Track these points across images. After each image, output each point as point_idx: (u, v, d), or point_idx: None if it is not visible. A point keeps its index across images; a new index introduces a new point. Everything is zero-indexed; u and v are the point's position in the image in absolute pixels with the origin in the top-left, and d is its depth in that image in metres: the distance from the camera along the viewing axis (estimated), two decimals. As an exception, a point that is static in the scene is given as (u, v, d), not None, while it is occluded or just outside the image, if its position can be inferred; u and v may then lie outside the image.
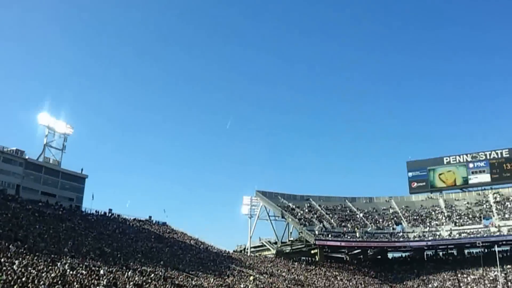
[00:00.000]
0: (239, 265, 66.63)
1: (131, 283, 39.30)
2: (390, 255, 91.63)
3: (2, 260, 32.24)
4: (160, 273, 46.98)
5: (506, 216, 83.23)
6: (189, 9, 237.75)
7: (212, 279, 52.91)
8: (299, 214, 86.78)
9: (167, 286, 43.28)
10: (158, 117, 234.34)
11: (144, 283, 41.25)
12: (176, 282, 46.11)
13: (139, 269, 45.52)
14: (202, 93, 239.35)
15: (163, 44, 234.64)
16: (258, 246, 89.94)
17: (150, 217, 76.06)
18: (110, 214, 69.04)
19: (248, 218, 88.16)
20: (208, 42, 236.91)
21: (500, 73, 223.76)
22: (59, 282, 32.06)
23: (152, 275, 45.16)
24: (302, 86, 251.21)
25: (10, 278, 28.77)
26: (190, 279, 49.65)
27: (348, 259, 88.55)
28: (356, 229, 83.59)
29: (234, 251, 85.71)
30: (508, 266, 76.64)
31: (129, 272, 42.70)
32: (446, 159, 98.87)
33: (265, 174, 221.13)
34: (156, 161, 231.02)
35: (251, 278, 60.28)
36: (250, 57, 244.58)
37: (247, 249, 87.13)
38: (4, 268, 30.51)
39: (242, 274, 61.93)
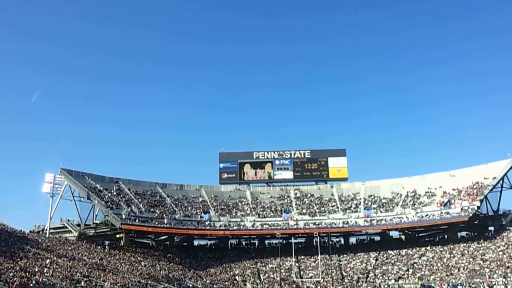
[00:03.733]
0: (35, 247, 60.59)
1: None
2: (196, 243, 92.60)
3: None
4: None
5: (304, 211, 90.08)
6: None
7: (1, 261, 47.46)
8: (107, 196, 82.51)
9: None
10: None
11: None
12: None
13: None
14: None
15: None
16: (60, 228, 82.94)
17: None
18: None
19: (49, 197, 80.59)
20: None
21: (302, 84, 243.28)
22: None
23: None
24: (109, 70, 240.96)
25: None
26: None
27: (154, 244, 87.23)
28: (164, 215, 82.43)
29: (30, 231, 77.78)
30: (302, 257, 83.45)
31: None
32: (256, 154, 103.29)
33: (73, 152, 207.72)
34: None
35: (48, 261, 55.50)
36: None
37: (46, 230, 79.85)
38: None
39: (38, 256, 56.52)
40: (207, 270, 78.68)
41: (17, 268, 47.66)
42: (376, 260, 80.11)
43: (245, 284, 75.11)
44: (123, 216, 76.45)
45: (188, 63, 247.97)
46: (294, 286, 73.76)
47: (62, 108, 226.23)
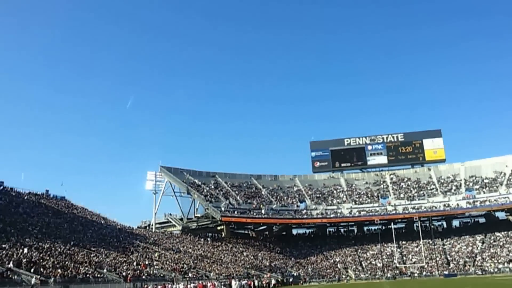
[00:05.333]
0: (143, 241, 64.43)
1: (27, 259, 36.28)
2: (294, 232, 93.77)
3: None
4: (59, 249, 43.85)
5: (401, 195, 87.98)
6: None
7: (115, 255, 50.66)
8: (205, 190, 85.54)
9: (66, 262, 40.59)
10: (48, 88, 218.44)
11: (42, 260, 38.28)
12: (76, 258, 43.38)
13: (35, 246, 41.98)
14: (104, 61, 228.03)
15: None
16: (164, 222, 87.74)
17: (47, 191, 70.32)
18: (1, 187, 62.94)
19: (152, 194, 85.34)
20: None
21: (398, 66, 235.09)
22: None
23: (50, 251, 42.03)
24: (207, 64, 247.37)
25: None
26: (91, 256, 46.99)
27: (254, 235, 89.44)
28: (261, 206, 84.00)
29: (138, 227, 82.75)
30: (403, 242, 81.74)
31: (25, 249, 39.21)
32: (347, 141, 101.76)
33: (170, 150, 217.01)
34: (54, 132, 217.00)
35: (156, 254, 58.79)
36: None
37: (152, 225, 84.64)
38: None
39: (147, 250, 60.05)
40: (308, 258, 79.44)
41: (129, 261, 50.80)
42: (483, 243, 76.61)
43: (347, 271, 74.94)
44: (222, 209, 78.87)
45: (273, 53, 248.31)
46: (397, 272, 72.52)
47: (160, 103, 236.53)
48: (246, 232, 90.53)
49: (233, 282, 50.80)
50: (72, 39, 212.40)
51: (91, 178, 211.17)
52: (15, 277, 32.49)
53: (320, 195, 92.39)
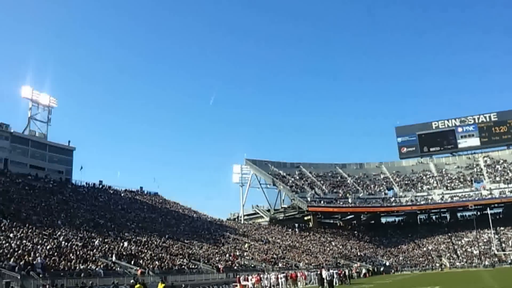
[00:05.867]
0: (233, 233, 66.30)
1: (127, 252, 38.66)
2: (383, 220, 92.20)
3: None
4: (155, 243, 46.23)
5: (497, 179, 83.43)
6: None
7: (207, 247, 52.54)
8: (290, 181, 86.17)
9: (162, 255, 42.68)
10: (145, 89, 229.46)
11: (140, 253, 40.57)
12: (172, 250, 45.51)
13: (133, 239, 44.59)
14: (190, 59, 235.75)
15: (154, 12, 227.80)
16: (252, 214, 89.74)
17: (141, 187, 74.52)
18: (100, 186, 67.46)
19: (239, 187, 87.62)
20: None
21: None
22: (55, 254, 31.31)
23: (147, 244, 44.44)
24: (287, 51, 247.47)
25: (6, 251, 28.13)
26: (185, 248, 49.06)
27: (341, 224, 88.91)
28: (348, 194, 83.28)
29: (227, 219, 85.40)
30: (501, 228, 77.59)
31: (125, 242, 41.77)
32: (435, 124, 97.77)
33: (254, 142, 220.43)
34: (145, 133, 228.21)
35: (246, 245, 60.23)
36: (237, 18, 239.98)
37: (240, 217, 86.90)
38: (-1, 241, 29.63)
39: (237, 241, 61.75)
40: (399, 247, 77.81)
41: (221, 253, 52.41)
42: None
43: (440, 260, 72.55)
44: (308, 199, 79.19)
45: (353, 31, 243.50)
46: (496, 259, 69.07)
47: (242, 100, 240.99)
48: (333, 221, 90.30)
49: (323, 271, 50.86)
50: (174, 43, 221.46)
51: (181, 175, 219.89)
52: (118, 268, 34.75)
53: (409, 182, 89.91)
